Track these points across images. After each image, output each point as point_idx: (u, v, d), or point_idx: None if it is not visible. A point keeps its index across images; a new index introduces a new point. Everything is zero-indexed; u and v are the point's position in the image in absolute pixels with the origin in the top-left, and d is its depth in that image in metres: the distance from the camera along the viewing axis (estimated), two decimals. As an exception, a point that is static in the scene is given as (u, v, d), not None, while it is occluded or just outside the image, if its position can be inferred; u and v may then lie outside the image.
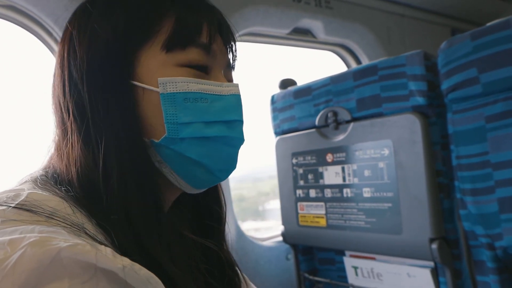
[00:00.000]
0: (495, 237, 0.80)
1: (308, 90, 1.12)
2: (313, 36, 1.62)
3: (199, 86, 0.47)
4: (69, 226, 0.38)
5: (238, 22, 1.35)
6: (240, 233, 1.33)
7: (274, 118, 1.23)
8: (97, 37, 0.47)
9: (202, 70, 0.49)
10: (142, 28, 0.47)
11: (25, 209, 0.38)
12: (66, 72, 0.48)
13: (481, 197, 0.81)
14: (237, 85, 0.52)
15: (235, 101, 0.51)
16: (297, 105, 1.15)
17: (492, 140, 0.79)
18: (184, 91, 0.46)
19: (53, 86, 0.50)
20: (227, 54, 0.53)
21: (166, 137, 0.46)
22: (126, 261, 0.36)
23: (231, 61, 0.54)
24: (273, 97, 1.24)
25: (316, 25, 1.58)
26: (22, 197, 0.39)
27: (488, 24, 0.79)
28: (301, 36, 1.59)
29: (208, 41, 0.49)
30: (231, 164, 0.52)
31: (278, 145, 1.21)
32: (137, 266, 0.36)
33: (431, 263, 0.91)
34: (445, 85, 0.85)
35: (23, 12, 1.04)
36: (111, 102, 0.45)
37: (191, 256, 0.52)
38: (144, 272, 0.36)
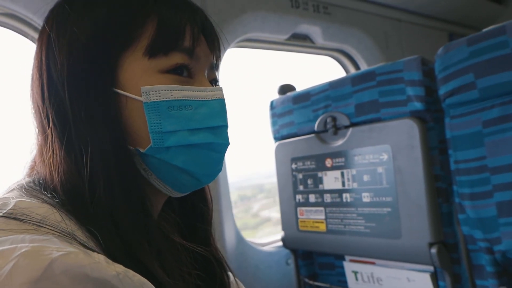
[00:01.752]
0: (493, 241, 0.80)
1: (307, 96, 1.13)
2: (312, 42, 1.63)
3: (183, 93, 0.47)
4: (59, 234, 0.37)
5: (236, 28, 1.36)
6: (240, 239, 1.33)
7: (273, 123, 1.24)
8: (77, 41, 0.45)
9: (185, 75, 0.48)
10: (124, 32, 0.46)
11: (13, 217, 0.37)
12: (44, 77, 0.46)
13: (479, 201, 0.82)
14: (221, 89, 0.51)
15: (219, 106, 0.50)
16: (296, 110, 1.16)
17: (490, 144, 0.80)
18: (168, 99, 0.46)
19: (31, 90, 0.49)
20: (210, 55, 0.52)
21: (151, 147, 0.46)
22: (119, 268, 0.35)
23: (214, 61, 0.54)
24: (272, 102, 1.24)
25: (314, 30, 1.59)
26: (10, 206, 0.38)
27: (484, 30, 0.80)
28: (300, 41, 1.60)
29: (191, 44, 0.48)
30: (216, 169, 0.52)
31: (277, 151, 1.21)
32: (131, 272, 0.36)
33: (431, 268, 0.91)
34: (442, 91, 0.85)
35: (23, 20, 1.05)
36: (95, 110, 0.44)
37: (182, 261, 0.52)
38: (138, 278, 0.36)
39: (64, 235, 0.37)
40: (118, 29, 0.46)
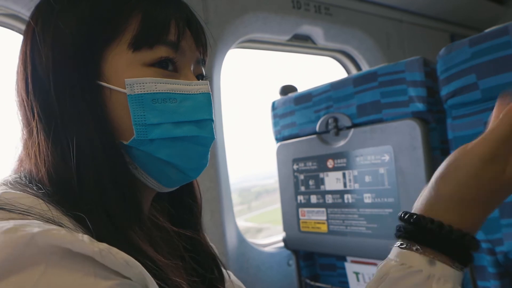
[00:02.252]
0: (495, 242, 0.80)
1: (308, 97, 1.13)
2: (313, 42, 1.63)
3: (167, 86, 0.47)
4: (45, 221, 0.37)
5: (238, 28, 1.36)
6: (241, 239, 1.33)
7: (275, 124, 1.24)
8: (61, 35, 0.45)
9: (170, 69, 0.48)
10: (108, 26, 0.46)
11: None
12: (29, 70, 0.46)
13: (482, 202, 0.81)
14: (206, 83, 0.51)
15: (204, 100, 0.50)
16: (297, 111, 1.16)
17: (492, 145, 0.79)
18: (152, 91, 0.46)
19: (16, 83, 0.49)
20: (196, 50, 0.52)
21: (134, 139, 0.46)
22: (103, 245, 0.35)
23: (201, 56, 0.53)
24: (273, 103, 1.24)
25: (316, 31, 1.59)
26: None
27: (486, 30, 0.80)
28: (301, 42, 1.60)
29: (176, 38, 0.48)
30: (202, 163, 0.52)
31: (279, 151, 1.21)
32: (114, 249, 0.36)
33: (433, 269, 0.91)
34: (444, 91, 0.85)
35: (24, 20, 1.05)
36: (80, 102, 0.44)
37: (174, 246, 0.52)
38: (121, 255, 0.36)
39: (50, 222, 0.37)
40: (103, 23, 0.46)
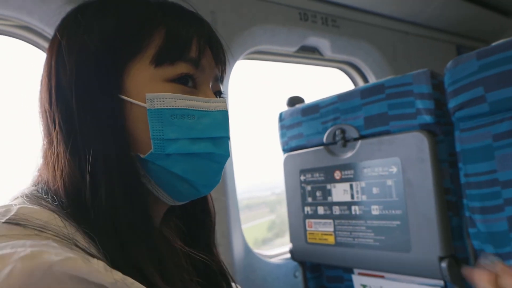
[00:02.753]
0: (505, 256, 0.79)
1: (316, 108, 1.13)
2: (320, 54, 1.64)
3: (186, 103, 0.47)
4: (60, 239, 0.37)
5: (246, 40, 1.38)
6: (247, 250, 1.33)
7: (282, 135, 1.24)
8: (86, 48, 0.46)
9: (190, 85, 0.49)
10: (132, 42, 0.47)
11: (15, 223, 0.37)
12: (53, 81, 0.47)
13: (490, 215, 0.81)
14: (224, 101, 0.52)
15: (222, 118, 0.51)
16: (305, 122, 1.16)
17: (500, 158, 0.79)
18: (171, 107, 0.46)
19: (40, 94, 0.50)
20: (215, 67, 0.53)
21: (152, 153, 0.46)
22: (118, 275, 0.36)
23: (219, 74, 0.54)
24: (281, 114, 1.25)
25: (323, 43, 1.61)
26: (12, 212, 0.39)
27: (494, 43, 0.80)
28: (308, 53, 1.61)
29: (197, 56, 0.49)
30: (215, 180, 0.52)
31: (286, 162, 1.21)
32: (129, 280, 0.36)
33: (441, 282, 0.90)
34: (452, 104, 0.85)
35: (37, 32, 1.07)
36: (100, 115, 0.45)
37: (183, 268, 0.52)
38: (136, 286, 0.36)
39: (65, 240, 0.38)
40: (127, 38, 0.47)
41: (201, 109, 0.49)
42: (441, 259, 0.86)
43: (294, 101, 1.27)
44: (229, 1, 1.31)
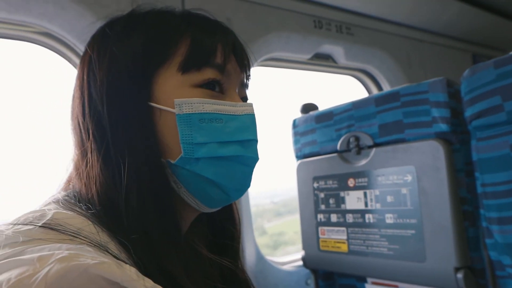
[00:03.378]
0: (523, 267, 0.78)
1: (330, 115, 1.13)
2: (334, 61, 1.65)
3: (214, 107, 0.48)
4: (93, 245, 0.38)
5: (261, 47, 1.39)
6: (259, 256, 1.33)
7: (296, 142, 1.24)
8: (116, 60, 0.48)
9: (217, 90, 0.50)
10: (159, 51, 0.49)
11: (51, 228, 0.38)
12: (85, 94, 0.49)
13: (508, 226, 0.80)
14: (251, 105, 0.53)
15: (249, 121, 0.51)
16: (318, 129, 1.16)
17: (518, 168, 0.78)
18: (199, 111, 0.47)
19: (72, 107, 0.51)
20: (241, 73, 0.54)
21: (182, 157, 0.47)
22: (149, 282, 0.36)
23: (245, 80, 0.56)
24: (294, 121, 1.25)
25: (337, 50, 1.61)
26: (48, 217, 0.40)
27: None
28: (322, 61, 1.62)
29: (222, 61, 0.50)
30: (245, 184, 0.53)
31: (299, 169, 1.21)
32: None
33: (457, 293, 0.89)
34: (468, 112, 0.85)
35: (57, 38, 1.10)
36: (131, 123, 0.46)
37: (209, 275, 0.52)
38: None
39: (98, 246, 0.39)
40: (154, 49, 0.49)
41: (229, 113, 0.49)
42: (457, 270, 0.85)
43: (307, 108, 1.27)
44: (244, 8, 1.33)
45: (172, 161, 0.47)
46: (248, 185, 0.53)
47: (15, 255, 0.34)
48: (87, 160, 0.47)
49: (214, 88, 0.50)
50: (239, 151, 0.49)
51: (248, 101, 0.57)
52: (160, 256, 0.43)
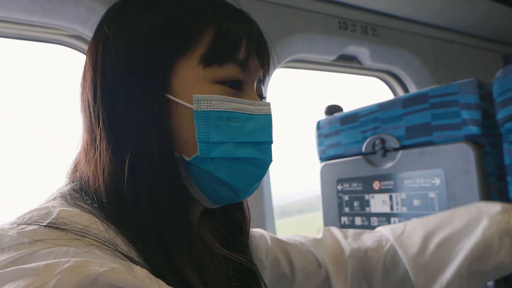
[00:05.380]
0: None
1: (355, 117, 1.12)
2: (359, 63, 1.63)
3: (232, 105, 0.46)
4: (101, 244, 0.37)
5: (285, 49, 1.39)
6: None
7: (320, 143, 1.24)
8: (135, 43, 0.44)
9: (236, 87, 0.48)
10: (182, 38, 0.45)
11: (56, 227, 0.37)
12: (99, 76, 0.45)
13: (543, 232, 0.77)
14: (269, 104, 0.50)
15: (266, 121, 0.49)
16: (343, 131, 1.15)
17: (554, 173, 0.75)
18: (218, 109, 0.45)
19: (83, 86, 0.48)
20: (260, 69, 0.51)
21: (197, 156, 0.45)
22: (162, 285, 0.35)
23: (262, 75, 0.53)
24: (319, 123, 1.25)
25: (362, 51, 1.59)
26: (53, 215, 0.38)
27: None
28: (347, 62, 1.60)
29: (245, 57, 0.47)
30: (256, 185, 0.51)
31: (323, 171, 1.21)
32: None
33: (487, 301, 0.86)
34: (501, 115, 0.82)
35: (88, 42, 1.13)
36: (146, 113, 0.44)
37: (222, 272, 0.51)
38: None
39: (106, 245, 0.37)
40: (176, 35, 0.45)
41: (247, 112, 0.47)
42: (487, 276, 0.82)
43: (332, 109, 1.26)
44: (268, 9, 1.33)
45: (186, 158, 0.45)
46: (257, 187, 0.52)
47: (21, 261, 0.33)
48: (95, 147, 0.44)
49: (233, 85, 0.47)
50: (255, 153, 0.48)
51: (265, 100, 0.54)
52: (171, 254, 0.42)
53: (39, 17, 1.00)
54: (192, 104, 0.45)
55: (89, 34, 1.08)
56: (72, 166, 0.50)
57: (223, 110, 0.46)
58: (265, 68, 0.53)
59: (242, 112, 0.47)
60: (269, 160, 0.50)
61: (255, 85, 0.51)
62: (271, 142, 0.51)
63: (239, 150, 0.47)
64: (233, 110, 0.46)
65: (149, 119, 0.44)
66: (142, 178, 0.42)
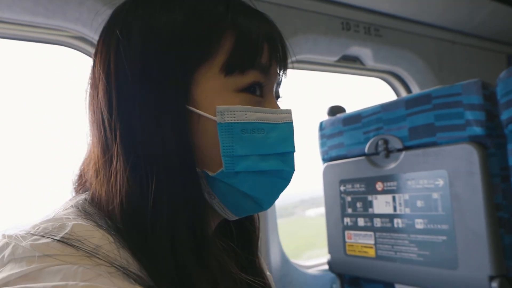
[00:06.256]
0: None
1: (357, 118, 1.12)
2: (362, 63, 1.63)
3: (256, 115, 0.44)
4: (110, 265, 0.36)
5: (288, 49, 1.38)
6: (285, 260, 1.32)
7: (322, 144, 1.23)
8: (152, 50, 0.42)
9: (258, 94, 0.45)
10: (201, 43, 0.42)
11: (69, 243, 0.36)
12: (113, 86, 0.42)
13: (547, 234, 0.76)
14: (290, 112, 0.48)
15: (289, 130, 0.47)
16: (346, 132, 1.15)
17: (559, 174, 0.75)
18: (242, 121, 0.43)
19: (92, 96, 0.44)
20: (279, 73, 0.49)
21: (222, 171, 0.43)
22: None
23: (281, 78, 0.50)
24: (321, 123, 1.24)
25: (365, 52, 1.59)
26: (67, 230, 0.37)
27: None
28: (350, 63, 1.60)
29: (267, 62, 0.45)
30: (278, 195, 0.49)
31: (325, 172, 1.20)
32: None
33: (491, 303, 0.85)
34: (505, 116, 0.82)
35: (92, 43, 1.13)
36: (166, 127, 0.41)
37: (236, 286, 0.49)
38: None
39: (116, 266, 0.36)
40: (196, 41, 0.42)
41: (270, 122, 0.45)
42: (491, 278, 0.81)
43: (335, 110, 1.26)
44: (271, 10, 1.33)
45: (210, 174, 0.43)
46: (278, 197, 0.50)
47: (30, 277, 0.33)
48: (111, 166, 0.41)
49: (255, 92, 0.45)
50: (280, 165, 0.46)
51: (282, 103, 0.52)
52: (187, 274, 0.39)
53: (42, 18, 1.00)
54: (215, 116, 0.42)
55: (92, 35, 1.09)
56: (78, 173, 0.48)
57: (247, 121, 0.43)
58: (284, 71, 0.50)
59: (266, 122, 0.45)
60: (292, 170, 0.48)
61: (274, 88, 0.49)
62: (294, 151, 0.48)
63: (264, 163, 0.45)
64: (257, 121, 0.44)
65: (170, 134, 0.41)
66: (163, 199, 0.40)
